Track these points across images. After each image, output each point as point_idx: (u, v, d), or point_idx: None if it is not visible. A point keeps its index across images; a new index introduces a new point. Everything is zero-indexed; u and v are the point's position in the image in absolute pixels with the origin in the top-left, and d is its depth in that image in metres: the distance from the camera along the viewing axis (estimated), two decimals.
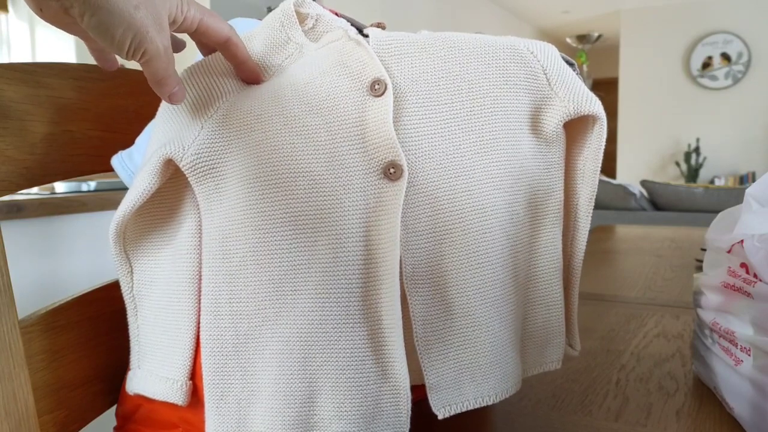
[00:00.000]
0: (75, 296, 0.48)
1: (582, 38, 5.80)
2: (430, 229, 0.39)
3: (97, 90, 0.50)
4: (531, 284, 0.45)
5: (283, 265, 0.38)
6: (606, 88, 7.31)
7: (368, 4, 3.64)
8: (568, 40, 5.91)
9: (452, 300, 0.40)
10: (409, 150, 0.39)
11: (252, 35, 0.46)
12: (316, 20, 0.46)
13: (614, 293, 0.91)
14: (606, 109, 0.43)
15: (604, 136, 0.44)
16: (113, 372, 0.51)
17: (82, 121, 0.49)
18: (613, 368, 0.60)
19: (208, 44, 0.44)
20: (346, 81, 0.41)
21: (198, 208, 0.41)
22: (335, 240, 0.38)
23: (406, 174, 0.38)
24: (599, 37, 5.75)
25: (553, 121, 0.43)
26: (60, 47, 2.31)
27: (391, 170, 0.38)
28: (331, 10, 0.50)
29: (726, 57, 5.33)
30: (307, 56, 0.44)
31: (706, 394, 0.53)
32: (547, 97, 0.43)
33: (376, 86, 0.40)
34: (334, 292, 0.38)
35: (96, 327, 0.49)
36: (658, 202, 3.07)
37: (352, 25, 0.48)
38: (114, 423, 0.48)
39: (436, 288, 0.40)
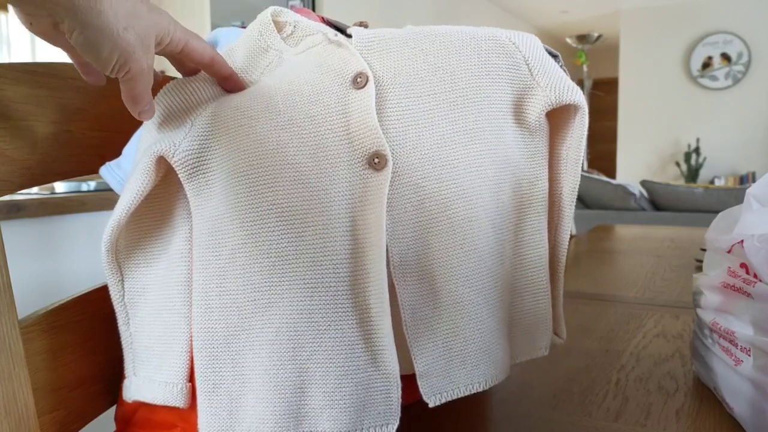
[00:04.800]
0: (75, 296, 0.48)
1: (582, 38, 5.79)
2: (416, 219, 0.40)
3: (96, 90, 0.50)
4: (517, 272, 0.45)
5: (272, 257, 0.38)
6: (606, 88, 7.31)
7: (367, 4, 3.64)
8: (568, 40, 5.91)
9: (440, 288, 0.40)
10: (393, 140, 0.40)
11: (233, 48, 0.47)
12: (295, 27, 0.47)
13: (614, 293, 0.91)
14: (606, 109, 0.44)
15: (586, 125, 0.44)
16: (113, 372, 0.51)
17: (82, 121, 0.49)
18: (612, 368, 0.60)
19: (190, 66, 0.45)
20: (328, 78, 0.41)
21: (190, 214, 0.42)
22: (322, 231, 0.38)
23: (390, 164, 0.39)
24: (599, 37, 5.75)
25: (536, 110, 0.43)
26: None
27: (376, 160, 0.39)
28: (318, 17, 0.50)
29: (726, 57, 5.32)
30: (288, 62, 0.45)
31: (706, 394, 0.53)
32: (529, 87, 0.43)
33: (359, 79, 0.41)
34: (323, 282, 0.38)
35: (96, 327, 0.49)
36: (658, 202, 3.07)
37: (337, 28, 0.48)
38: (114, 422, 0.48)
39: (423, 276, 0.40)
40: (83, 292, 0.49)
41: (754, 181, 4.89)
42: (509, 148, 0.43)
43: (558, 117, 0.46)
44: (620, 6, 5.63)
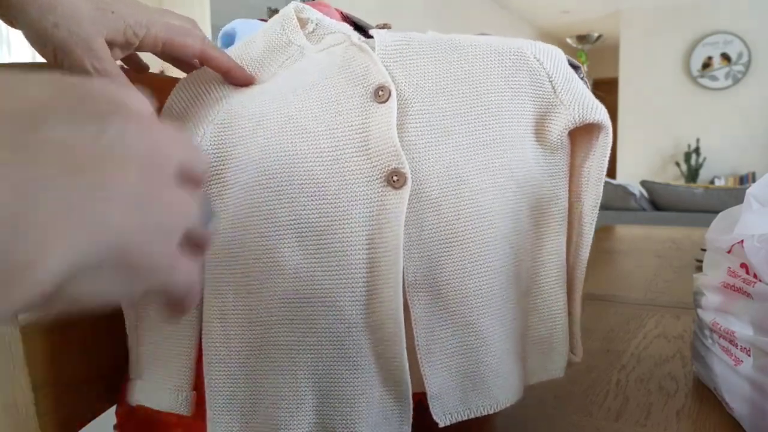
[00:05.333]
0: None
1: (582, 38, 5.79)
2: (433, 237, 0.39)
3: None
4: (534, 292, 0.44)
5: (288, 273, 0.38)
6: (606, 88, 7.30)
7: (367, 3, 3.64)
8: (568, 40, 5.91)
9: (454, 308, 0.40)
10: (412, 157, 0.39)
11: (253, 39, 0.46)
12: (317, 24, 0.46)
13: (614, 293, 0.91)
14: (606, 109, 0.43)
15: (609, 144, 0.43)
16: (113, 372, 0.51)
17: None
18: (613, 368, 0.60)
19: (183, 61, 0.44)
20: (349, 87, 0.40)
21: None
22: (339, 248, 0.38)
23: (409, 182, 0.38)
24: (599, 37, 5.74)
25: (558, 128, 0.42)
26: None
27: (395, 178, 0.38)
28: (337, 10, 0.50)
29: (726, 57, 5.32)
30: (308, 58, 0.44)
31: (706, 395, 0.53)
32: (552, 105, 0.42)
33: (380, 92, 0.40)
34: (339, 300, 0.38)
35: (96, 327, 0.49)
36: (658, 202, 3.07)
37: (358, 25, 0.48)
38: (114, 421, 0.48)
39: (438, 296, 0.40)
40: None
41: (754, 181, 4.89)
42: (530, 166, 0.42)
43: (581, 134, 0.45)
44: (620, 6, 5.63)
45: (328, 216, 0.38)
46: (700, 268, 0.56)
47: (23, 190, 0.15)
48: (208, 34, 2.57)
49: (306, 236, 0.38)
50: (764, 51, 5.21)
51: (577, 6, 5.66)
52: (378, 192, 0.38)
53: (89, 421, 0.49)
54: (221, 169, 0.40)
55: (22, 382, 0.41)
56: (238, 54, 0.45)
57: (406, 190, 0.38)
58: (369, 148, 0.39)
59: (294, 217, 0.38)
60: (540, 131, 0.43)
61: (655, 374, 0.58)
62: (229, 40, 0.51)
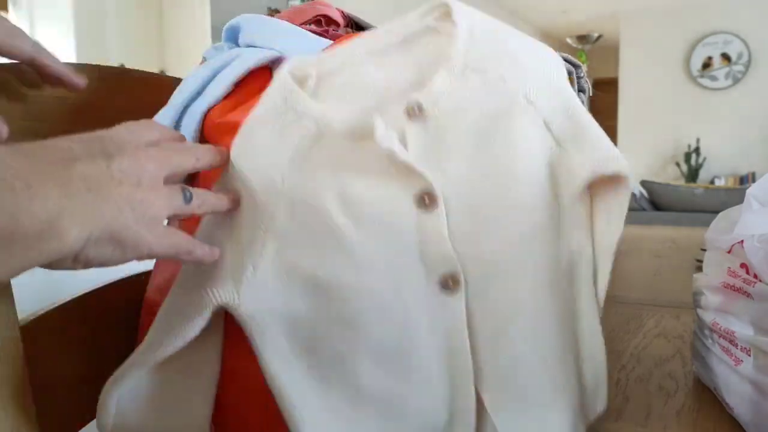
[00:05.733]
0: (75, 296, 0.48)
1: (582, 38, 5.79)
2: (483, 328, 0.40)
3: (97, 90, 0.50)
4: (578, 345, 0.43)
5: (374, 397, 0.39)
6: (606, 88, 7.30)
7: (367, 2, 3.64)
8: (568, 40, 5.91)
9: (517, 391, 0.41)
10: (459, 260, 0.39)
11: (253, 125, 0.40)
12: (317, 78, 0.41)
13: (614, 293, 0.91)
14: (606, 109, 0.42)
15: (628, 195, 0.40)
16: (113, 372, 0.51)
17: (83, 121, 0.49)
18: (613, 368, 0.60)
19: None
20: (391, 191, 0.39)
21: (217, 351, 0.41)
22: (416, 363, 0.39)
23: (463, 284, 0.39)
24: (599, 37, 5.75)
25: (572, 186, 0.40)
26: (60, 47, 2.31)
27: (450, 283, 0.39)
28: (338, 9, 0.49)
29: (726, 57, 5.32)
30: (331, 142, 0.39)
31: (706, 395, 0.53)
32: (560, 157, 0.40)
33: (426, 199, 0.39)
34: (426, 412, 0.39)
35: (96, 327, 0.49)
36: (658, 202, 3.07)
37: (356, 24, 0.47)
38: None
39: (499, 381, 0.41)
40: (83, 292, 0.49)
41: (754, 181, 4.88)
42: (557, 228, 0.41)
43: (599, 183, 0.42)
44: (620, 6, 5.63)
45: (396, 336, 0.39)
46: (700, 268, 0.56)
47: (61, 199, 0.27)
48: (208, 34, 2.56)
49: (382, 359, 0.39)
50: (764, 51, 5.21)
51: (577, 6, 5.66)
52: (437, 301, 0.39)
53: (89, 421, 0.49)
54: (280, 304, 0.39)
55: (22, 382, 0.41)
56: (243, 144, 0.40)
57: (462, 292, 0.39)
58: (424, 260, 0.39)
59: (366, 343, 0.38)
60: (556, 190, 0.41)
61: (655, 374, 0.58)
62: (233, 34, 0.50)
